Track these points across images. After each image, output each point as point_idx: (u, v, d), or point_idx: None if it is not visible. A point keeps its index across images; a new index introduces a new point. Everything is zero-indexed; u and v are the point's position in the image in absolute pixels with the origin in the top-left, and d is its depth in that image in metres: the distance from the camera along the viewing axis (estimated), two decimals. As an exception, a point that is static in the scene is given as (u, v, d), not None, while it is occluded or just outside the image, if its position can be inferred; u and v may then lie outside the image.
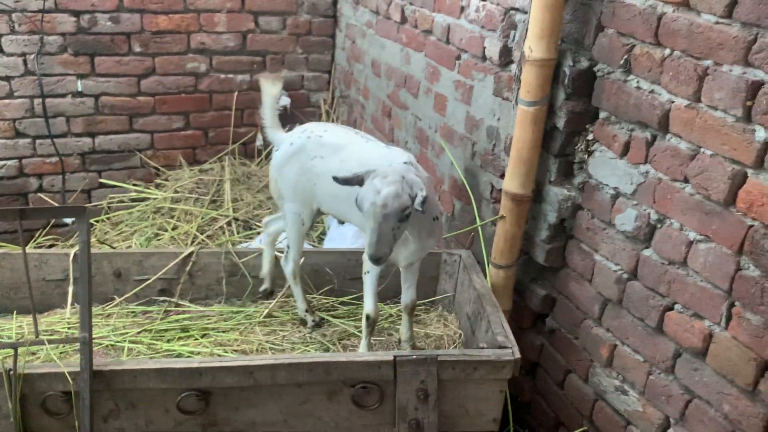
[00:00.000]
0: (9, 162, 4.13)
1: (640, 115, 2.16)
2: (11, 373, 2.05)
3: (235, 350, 2.73)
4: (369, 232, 2.08)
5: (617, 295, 2.34)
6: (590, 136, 2.42)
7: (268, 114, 2.83)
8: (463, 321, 2.86)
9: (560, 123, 2.46)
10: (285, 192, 2.75)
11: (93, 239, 3.98)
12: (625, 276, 2.31)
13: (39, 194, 4.25)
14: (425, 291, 3.15)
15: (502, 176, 2.78)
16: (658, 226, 2.15)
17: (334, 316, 2.99)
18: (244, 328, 2.88)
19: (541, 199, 2.63)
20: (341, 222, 3.41)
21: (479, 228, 2.92)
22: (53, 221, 4.29)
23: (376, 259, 2.08)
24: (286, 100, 4.65)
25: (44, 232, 4.25)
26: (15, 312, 2.90)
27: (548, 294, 2.71)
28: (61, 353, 2.64)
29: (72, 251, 3.01)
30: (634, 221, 2.23)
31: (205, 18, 4.31)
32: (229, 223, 3.82)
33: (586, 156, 2.44)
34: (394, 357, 2.16)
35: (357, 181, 2.13)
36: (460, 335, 2.77)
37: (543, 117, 2.48)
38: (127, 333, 2.80)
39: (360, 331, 2.70)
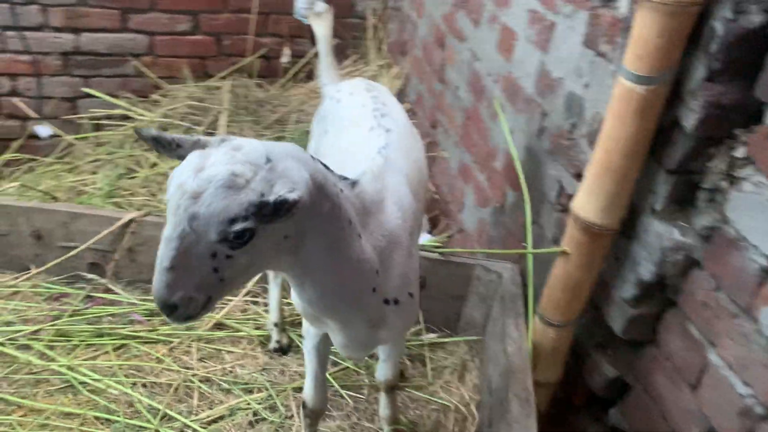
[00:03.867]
0: (-27, 56, 3.37)
1: None
2: None
3: (151, 382, 1.92)
4: (161, 244, 1.02)
5: (737, 433, 1.35)
6: (740, 152, 1.34)
7: (322, 61, 2.16)
8: (487, 385, 1.93)
9: (689, 119, 1.39)
10: None
11: (26, 175, 3.25)
12: (759, 410, 1.30)
13: (12, 98, 3.49)
14: (446, 314, 2.24)
15: (579, 176, 1.76)
16: None
17: (308, 338, 2.13)
18: (178, 342, 2.07)
19: (634, 234, 1.60)
20: None
21: (529, 254, 1.92)
22: (28, 133, 3.56)
23: (162, 305, 1.03)
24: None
25: (19, 145, 3.53)
26: None
27: (620, 377, 1.73)
28: None
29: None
30: (800, 330, 1.20)
31: None
32: (216, 169, 2.95)
33: (725, 183, 1.38)
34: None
35: (175, 146, 1.07)
36: (474, 417, 1.85)
37: (660, 104, 1.42)
38: (19, 330, 2.04)
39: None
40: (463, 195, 2.71)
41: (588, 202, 1.58)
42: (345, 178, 1.22)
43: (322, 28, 2.24)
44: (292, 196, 0.97)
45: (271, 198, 0.96)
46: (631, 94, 1.41)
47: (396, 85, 3.47)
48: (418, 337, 2.15)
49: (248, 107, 3.37)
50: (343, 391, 1.95)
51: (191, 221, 0.97)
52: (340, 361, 2.06)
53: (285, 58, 3.75)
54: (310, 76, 3.80)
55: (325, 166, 1.15)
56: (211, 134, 3.21)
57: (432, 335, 2.23)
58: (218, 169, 0.97)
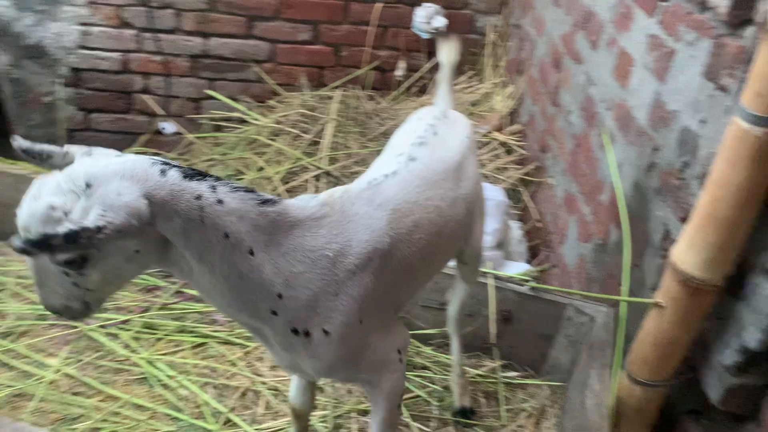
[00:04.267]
0: (113, 54, 3.61)
1: None
2: None
3: (221, 384, 1.95)
4: None
5: None
6: None
7: (440, 86, 2.04)
8: (560, 435, 1.79)
9: (816, 170, 1.20)
10: None
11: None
12: None
13: (143, 95, 3.72)
14: (531, 354, 2.11)
15: (686, 220, 1.59)
16: None
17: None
18: (254, 347, 2.09)
19: (741, 294, 1.41)
20: None
21: (622, 301, 1.76)
22: (155, 129, 3.78)
23: (47, 310, 1.16)
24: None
25: (146, 139, 3.77)
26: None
27: (714, 452, 1.53)
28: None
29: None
30: None
31: None
32: (317, 177, 2.97)
33: None
34: None
35: (45, 157, 1.10)
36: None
37: (780, 150, 1.24)
38: (111, 319, 2.14)
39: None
40: (566, 227, 2.56)
41: (689, 252, 1.41)
42: (250, 191, 1.16)
43: (446, 54, 2.15)
44: (91, 224, 0.97)
45: (61, 230, 0.96)
46: (746, 135, 1.24)
47: (509, 105, 3.35)
48: (494, 374, 2.04)
49: (357, 118, 3.38)
50: (410, 421, 1.87)
51: (28, 244, 1.00)
52: (413, 388, 1.99)
53: (399, 71, 3.74)
54: (423, 90, 3.76)
55: (194, 176, 1.10)
56: (317, 143, 3.26)
57: (513, 373, 2.10)
58: (41, 202, 1.00)
